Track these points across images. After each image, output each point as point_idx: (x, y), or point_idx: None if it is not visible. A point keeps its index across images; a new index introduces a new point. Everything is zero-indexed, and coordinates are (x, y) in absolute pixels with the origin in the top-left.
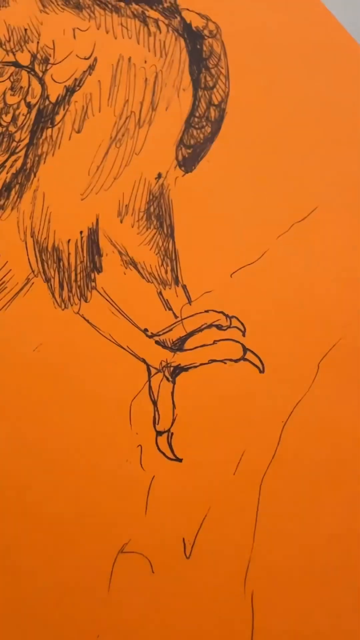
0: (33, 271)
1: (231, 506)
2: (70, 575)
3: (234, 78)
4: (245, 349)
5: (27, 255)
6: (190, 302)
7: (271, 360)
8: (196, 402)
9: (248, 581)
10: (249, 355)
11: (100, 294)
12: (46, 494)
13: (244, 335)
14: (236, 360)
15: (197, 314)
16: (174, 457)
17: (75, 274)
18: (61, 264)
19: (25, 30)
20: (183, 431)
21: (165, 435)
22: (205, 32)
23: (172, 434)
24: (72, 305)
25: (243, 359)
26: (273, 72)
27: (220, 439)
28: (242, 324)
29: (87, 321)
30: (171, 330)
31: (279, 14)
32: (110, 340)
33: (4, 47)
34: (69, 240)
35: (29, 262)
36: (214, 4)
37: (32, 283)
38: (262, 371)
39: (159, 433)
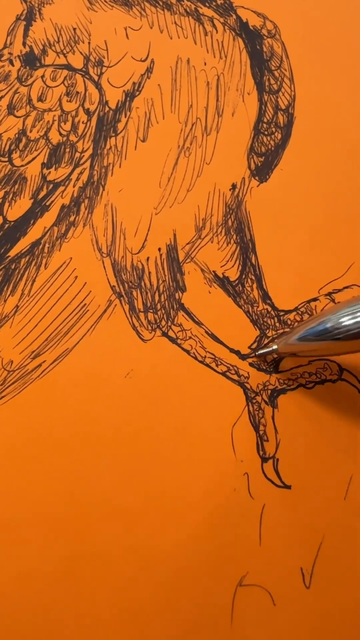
0: (115, 292)
1: (346, 532)
2: (191, 612)
3: (297, 81)
4: (341, 369)
5: (106, 275)
6: (279, 320)
7: None
8: (297, 425)
9: None
10: (346, 375)
11: (187, 314)
12: (155, 530)
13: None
14: (334, 381)
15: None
16: (282, 484)
17: (159, 294)
18: (142, 283)
19: (74, 29)
20: (288, 456)
21: (270, 461)
22: (264, 31)
23: (277, 459)
24: (159, 327)
25: (340, 378)
26: (337, 72)
27: (327, 462)
28: None
29: (179, 345)
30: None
31: (338, 10)
32: (203, 364)
33: (53, 48)
34: (147, 258)
35: (109, 283)
36: (269, 1)
37: (115, 305)
38: None
39: (264, 459)
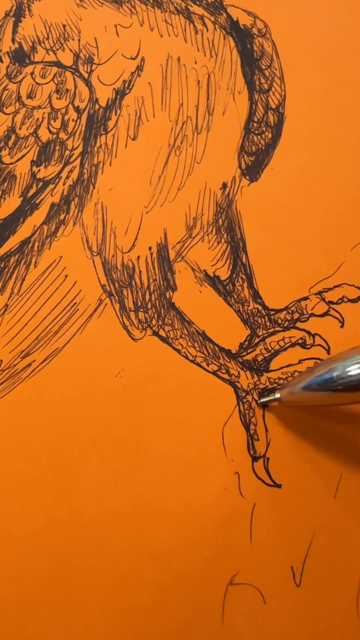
0: (105, 291)
1: (336, 530)
2: (182, 611)
3: (288, 80)
4: None
5: (97, 274)
6: (270, 319)
7: None
8: (288, 425)
9: None
10: None
11: (177, 313)
12: (146, 530)
13: (328, 353)
14: None
15: (279, 331)
16: (272, 483)
17: (150, 293)
18: (133, 282)
19: (64, 26)
20: (278, 455)
21: (261, 460)
22: (254, 30)
23: (268, 458)
24: (150, 327)
25: None
26: (327, 72)
27: (317, 461)
28: (326, 341)
29: (170, 345)
30: (254, 349)
31: (328, 10)
32: (194, 363)
33: (42, 45)
34: (138, 257)
35: (99, 282)
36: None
37: (105, 304)
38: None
39: (254, 459)
